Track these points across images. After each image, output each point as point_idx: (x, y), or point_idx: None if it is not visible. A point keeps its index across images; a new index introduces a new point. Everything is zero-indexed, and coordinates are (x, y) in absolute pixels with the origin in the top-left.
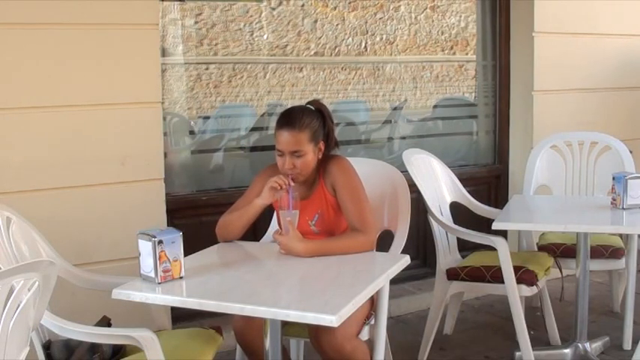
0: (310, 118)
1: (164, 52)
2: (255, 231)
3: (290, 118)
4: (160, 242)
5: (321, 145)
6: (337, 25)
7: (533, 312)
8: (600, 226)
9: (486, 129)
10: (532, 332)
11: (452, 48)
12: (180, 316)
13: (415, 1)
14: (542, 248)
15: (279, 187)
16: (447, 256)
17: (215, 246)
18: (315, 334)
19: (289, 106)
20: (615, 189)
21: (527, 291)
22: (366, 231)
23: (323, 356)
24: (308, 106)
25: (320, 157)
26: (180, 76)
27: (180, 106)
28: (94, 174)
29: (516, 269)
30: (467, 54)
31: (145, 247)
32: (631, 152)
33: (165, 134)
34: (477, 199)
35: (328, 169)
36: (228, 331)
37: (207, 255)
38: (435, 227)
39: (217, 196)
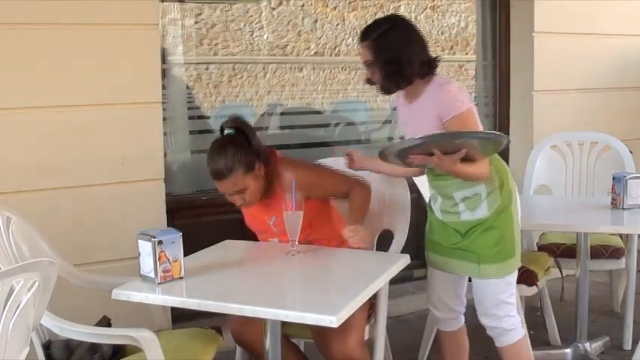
0: (233, 156)
1: (164, 52)
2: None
3: (217, 171)
4: (160, 242)
5: (257, 166)
6: (337, 25)
7: (533, 312)
8: (600, 226)
9: (486, 129)
10: (532, 332)
11: (452, 48)
12: (180, 316)
13: (415, 1)
14: (542, 248)
15: None
16: None
17: (214, 246)
18: (324, 340)
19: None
20: (615, 189)
21: (527, 291)
22: (356, 185)
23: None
24: (227, 132)
25: (263, 175)
26: (180, 76)
27: (181, 106)
28: (94, 174)
29: None
30: (467, 54)
31: (145, 247)
32: (631, 152)
33: (165, 134)
34: None
35: (283, 176)
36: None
37: (207, 255)
38: None
39: (217, 196)
